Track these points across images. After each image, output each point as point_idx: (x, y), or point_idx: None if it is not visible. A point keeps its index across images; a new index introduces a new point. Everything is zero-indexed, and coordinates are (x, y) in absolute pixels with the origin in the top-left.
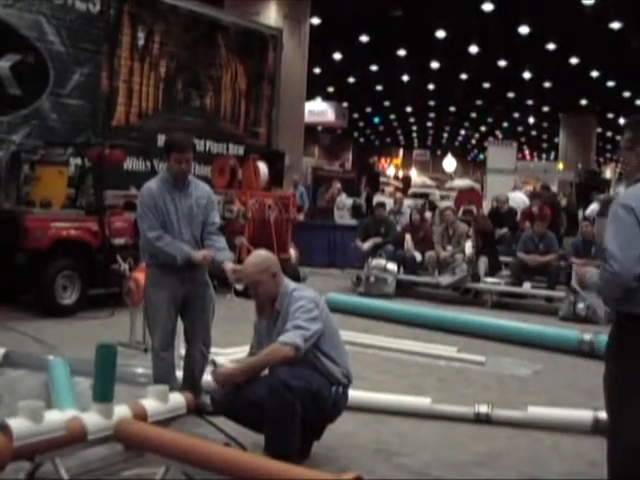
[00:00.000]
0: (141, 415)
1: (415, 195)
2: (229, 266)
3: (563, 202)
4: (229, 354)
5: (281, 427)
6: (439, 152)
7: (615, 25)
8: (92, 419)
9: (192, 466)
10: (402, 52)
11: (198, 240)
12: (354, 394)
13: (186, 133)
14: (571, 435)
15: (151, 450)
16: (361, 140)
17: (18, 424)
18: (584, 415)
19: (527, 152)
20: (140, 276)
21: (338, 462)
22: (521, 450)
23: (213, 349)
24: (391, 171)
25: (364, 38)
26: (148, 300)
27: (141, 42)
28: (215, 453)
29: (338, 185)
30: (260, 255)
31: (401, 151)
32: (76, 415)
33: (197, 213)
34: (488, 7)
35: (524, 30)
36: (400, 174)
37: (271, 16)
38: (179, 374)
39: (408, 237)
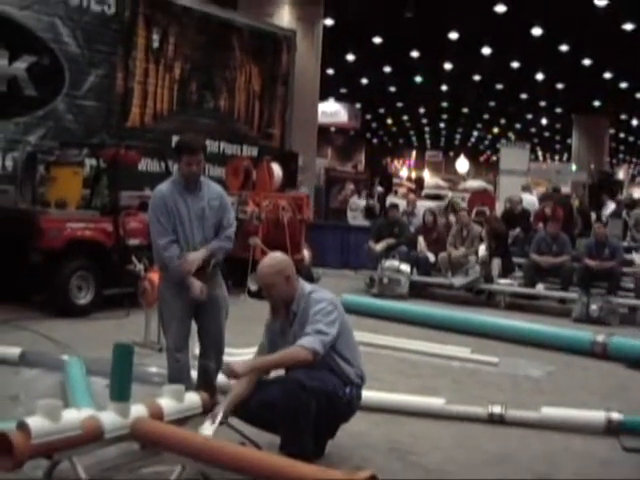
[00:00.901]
0: (157, 414)
1: (429, 196)
2: (189, 257)
3: (576, 203)
4: (242, 354)
5: (296, 427)
6: (452, 153)
7: (628, 26)
8: (109, 418)
9: (208, 465)
10: (415, 53)
11: (209, 242)
12: (368, 394)
13: (196, 134)
14: (584, 435)
15: (167, 449)
16: (374, 141)
17: (36, 422)
18: (597, 416)
19: (540, 153)
20: (155, 277)
21: (352, 461)
22: (534, 450)
23: (226, 349)
24: (404, 172)
25: (377, 39)
26: (162, 302)
27: (156, 44)
28: (230, 452)
29: (351, 186)
30: (274, 257)
31: (414, 152)
32: (93, 414)
33: (209, 215)
34: (501, 9)
35: (537, 31)
36: (413, 175)
37: (284, 18)
38: (194, 374)
39: (421, 238)
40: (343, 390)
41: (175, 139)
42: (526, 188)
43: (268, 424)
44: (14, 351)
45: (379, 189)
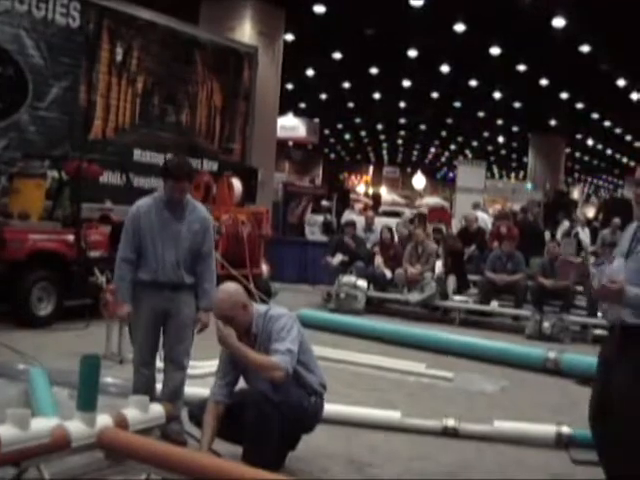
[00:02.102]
0: (122, 424)
1: (386, 213)
2: (201, 318)
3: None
4: (205, 367)
5: (259, 439)
6: (409, 169)
7: (585, 48)
8: (76, 427)
9: (171, 473)
10: (374, 70)
11: (182, 264)
12: (326, 407)
13: (185, 159)
14: (535, 448)
15: (132, 457)
16: (331, 156)
17: (5, 431)
18: (547, 430)
19: (496, 171)
20: None
21: (311, 473)
22: (487, 462)
23: (191, 362)
24: (361, 188)
25: (337, 55)
26: (130, 314)
27: (119, 57)
28: (193, 460)
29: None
30: (227, 290)
31: (371, 168)
32: (60, 423)
33: (186, 238)
34: (460, 28)
35: (495, 51)
36: (370, 191)
37: (246, 32)
38: (159, 387)
39: (378, 254)
40: (308, 400)
41: (137, 152)
42: (477, 206)
43: (232, 436)
44: None
45: (325, 203)
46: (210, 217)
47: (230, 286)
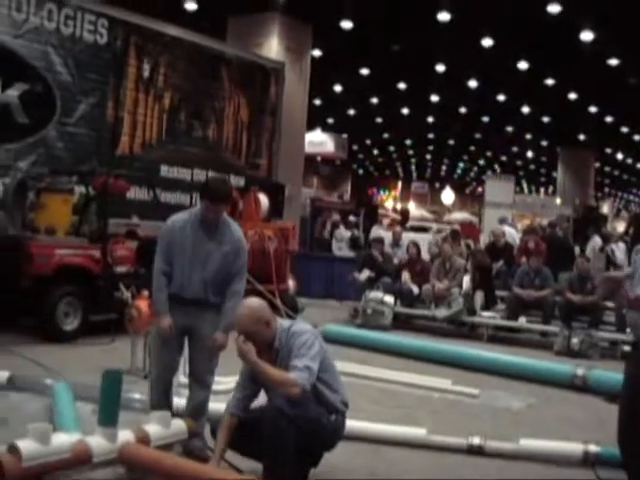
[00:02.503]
0: (144, 439)
1: (413, 228)
2: (217, 338)
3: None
4: (227, 382)
5: (276, 454)
6: (437, 185)
7: (613, 62)
8: (97, 442)
9: None
10: (402, 85)
11: (209, 284)
12: (349, 423)
13: (224, 181)
14: (561, 467)
15: (153, 473)
16: (360, 172)
17: (27, 446)
18: (574, 448)
19: (525, 186)
20: (142, 304)
21: None
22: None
23: (215, 378)
24: (389, 203)
25: (364, 71)
26: (154, 330)
27: (146, 73)
28: (214, 476)
29: (336, 216)
30: (250, 306)
31: (400, 183)
32: (82, 438)
33: (215, 259)
34: (487, 42)
35: (523, 65)
36: (399, 206)
37: (273, 48)
38: (179, 401)
39: (405, 270)
40: (327, 418)
41: (163, 168)
42: (503, 220)
43: (252, 453)
44: (2, 375)
45: (353, 219)
46: (244, 239)
47: (254, 301)
